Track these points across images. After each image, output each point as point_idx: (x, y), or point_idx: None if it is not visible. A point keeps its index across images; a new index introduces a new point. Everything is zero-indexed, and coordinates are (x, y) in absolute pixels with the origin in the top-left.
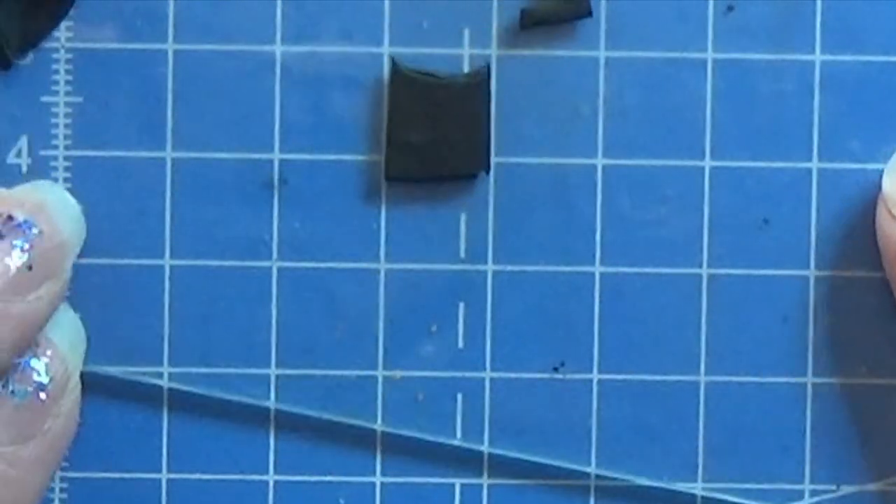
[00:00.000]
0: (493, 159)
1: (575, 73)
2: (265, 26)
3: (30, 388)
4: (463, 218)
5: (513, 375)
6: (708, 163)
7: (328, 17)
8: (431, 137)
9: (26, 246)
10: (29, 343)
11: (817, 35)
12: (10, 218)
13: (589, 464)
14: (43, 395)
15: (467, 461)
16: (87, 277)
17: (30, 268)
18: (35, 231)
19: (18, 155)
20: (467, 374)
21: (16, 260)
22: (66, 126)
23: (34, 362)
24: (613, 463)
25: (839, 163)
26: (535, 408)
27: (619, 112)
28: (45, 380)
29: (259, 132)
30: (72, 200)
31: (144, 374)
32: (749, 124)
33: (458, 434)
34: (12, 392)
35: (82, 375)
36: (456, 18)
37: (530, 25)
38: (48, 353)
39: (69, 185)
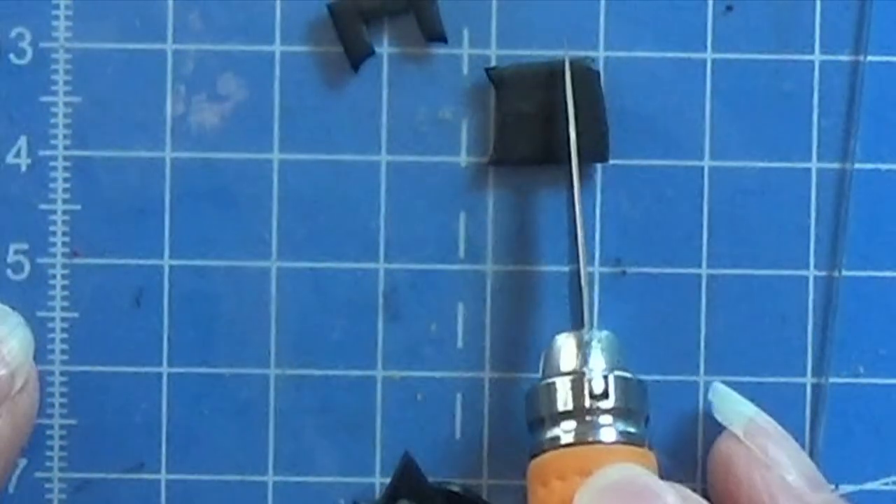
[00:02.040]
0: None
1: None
2: (264, 26)
3: None
4: (463, 218)
5: (513, 375)
6: (708, 163)
7: (327, 17)
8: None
9: None
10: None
11: (817, 35)
12: None
13: None
14: None
15: (467, 461)
16: (87, 277)
17: None
18: None
19: (18, 155)
20: (467, 374)
21: None
22: (65, 126)
23: None
24: None
25: (839, 163)
26: None
27: (619, 112)
28: None
29: (259, 132)
30: (7, 310)
31: (144, 374)
32: (749, 124)
33: (458, 434)
34: None
35: (81, 375)
36: (456, 18)
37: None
38: None
39: (68, 185)
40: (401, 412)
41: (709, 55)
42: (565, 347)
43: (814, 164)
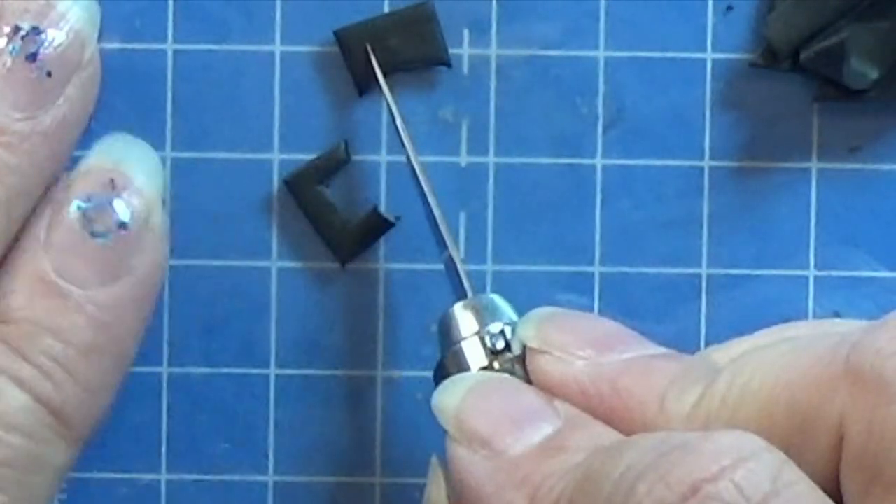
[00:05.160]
0: (493, 159)
1: (575, 73)
2: (265, 27)
3: (111, 228)
4: (463, 218)
5: None
6: (708, 163)
7: (326, 16)
8: None
9: (40, 54)
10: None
11: None
12: (17, 29)
13: None
14: (125, 233)
15: None
16: None
17: (49, 74)
18: (44, 36)
19: None
20: None
21: (34, 73)
22: None
23: (113, 201)
24: None
25: (839, 163)
26: None
27: (618, 112)
28: (125, 217)
29: (259, 132)
30: None
31: (144, 373)
32: (749, 124)
33: None
34: (93, 234)
35: None
36: (456, 18)
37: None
38: (125, 189)
39: None
40: (401, 412)
41: (709, 55)
42: (457, 317)
43: (813, 164)
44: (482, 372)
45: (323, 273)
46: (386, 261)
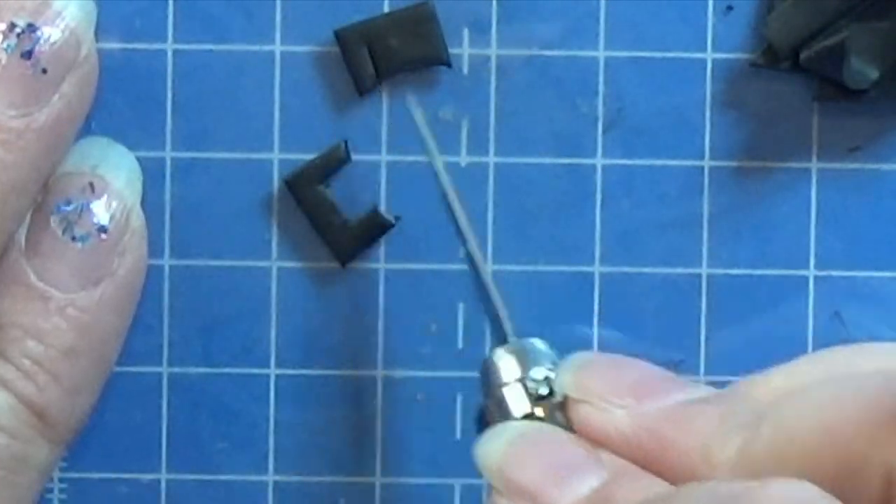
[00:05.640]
0: (493, 159)
1: (575, 73)
2: (265, 27)
3: (91, 232)
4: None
5: None
6: (708, 163)
7: (326, 16)
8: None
9: (36, 51)
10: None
11: None
12: (13, 26)
13: None
14: (105, 236)
15: (467, 461)
16: None
17: (45, 71)
18: (40, 33)
19: None
20: (467, 374)
21: (29, 70)
22: None
23: (92, 205)
24: None
25: (839, 163)
26: None
27: (618, 112)
28: (104, 220)
29: (259, 132)
30: None
31: (144, 373)
32: (749, 124)
33: (458, 434)
34: (73, 238)
35: None
36: (456, 18)
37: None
38: (104, 192)
39: None
40: (401, 412)
41: (709, 55)
42: (499, 362)
43: (813, 164)
44: (525, 422)
45: (323, 273)
46: (386, 261)
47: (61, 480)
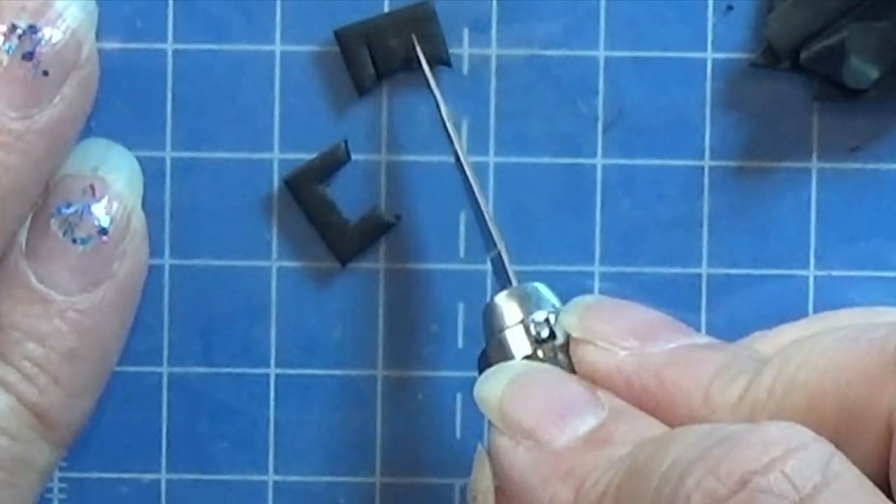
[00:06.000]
0: (493, 159)
1: (575, 73)
2: (265, 27)
3: (92, 234)
4: (463, 218)
5: None
6: (708, 163)
7: (326, 16)
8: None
9: (37, 53)
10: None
11: None
12: (14, 28)
13: None
14: (105, 238)
15: (467, 461)
16: None
17: (46, 73)
18: (41, 34)
19: None
20: (467, 374)
21: (30, 71)
22: None
23: (93, 207)
24: None
25: (839, 163)
26: None
27: (618, 112)
28: (105, 222)
29: (259, 132)
30: None
31: (144, 373)
32: (749, 124)
33: (458, 434)
34: (74, 240)
35: None
36: (456, 18)
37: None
38: (104, 194)
39: None
40: (401, 412)
41: (709, 55)
42: (501, 306)
43: (813, 164)
44: (525, 361)
45: (323, 273)
46: (386, 261)
47: (61, 480)
